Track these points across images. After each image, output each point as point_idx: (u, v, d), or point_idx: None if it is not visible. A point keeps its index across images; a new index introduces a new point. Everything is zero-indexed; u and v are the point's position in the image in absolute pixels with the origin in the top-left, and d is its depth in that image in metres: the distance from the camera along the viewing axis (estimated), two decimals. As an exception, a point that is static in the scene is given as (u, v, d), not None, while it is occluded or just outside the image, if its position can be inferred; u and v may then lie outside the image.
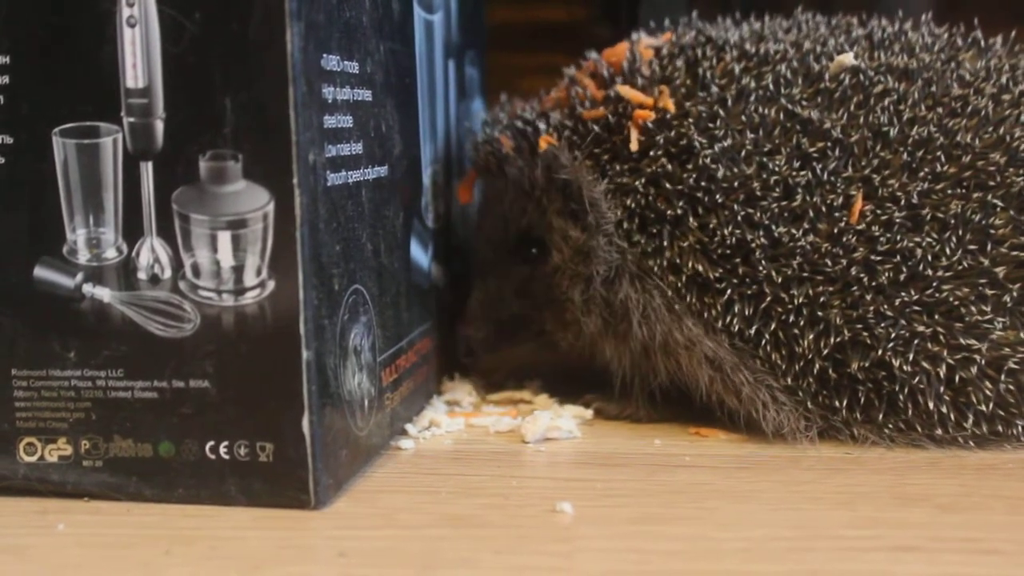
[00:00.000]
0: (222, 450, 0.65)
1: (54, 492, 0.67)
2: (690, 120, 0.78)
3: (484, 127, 0.92)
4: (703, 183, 0.76)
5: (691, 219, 0.77)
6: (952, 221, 0.75)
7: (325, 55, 0.66)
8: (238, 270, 0.64)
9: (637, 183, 0.78)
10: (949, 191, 0.75)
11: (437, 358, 0.89)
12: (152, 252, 0.65)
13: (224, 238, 0.64)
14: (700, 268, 0.76)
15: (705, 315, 0.77)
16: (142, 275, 0.65)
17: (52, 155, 0.65)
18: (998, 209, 0.75)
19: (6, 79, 0.65)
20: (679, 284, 0.77)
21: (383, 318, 0.75)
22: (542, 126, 0.83)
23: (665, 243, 0.77)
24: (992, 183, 0.75)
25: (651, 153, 0.78)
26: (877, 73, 0.79)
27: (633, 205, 0.78)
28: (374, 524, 0.64)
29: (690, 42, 0.84)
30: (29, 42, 0.64)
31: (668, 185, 0.77)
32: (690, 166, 0.77)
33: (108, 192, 0.65)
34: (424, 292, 0.85)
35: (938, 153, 0.76)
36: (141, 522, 0.64)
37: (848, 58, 0.79)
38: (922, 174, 0.75)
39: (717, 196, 0.76)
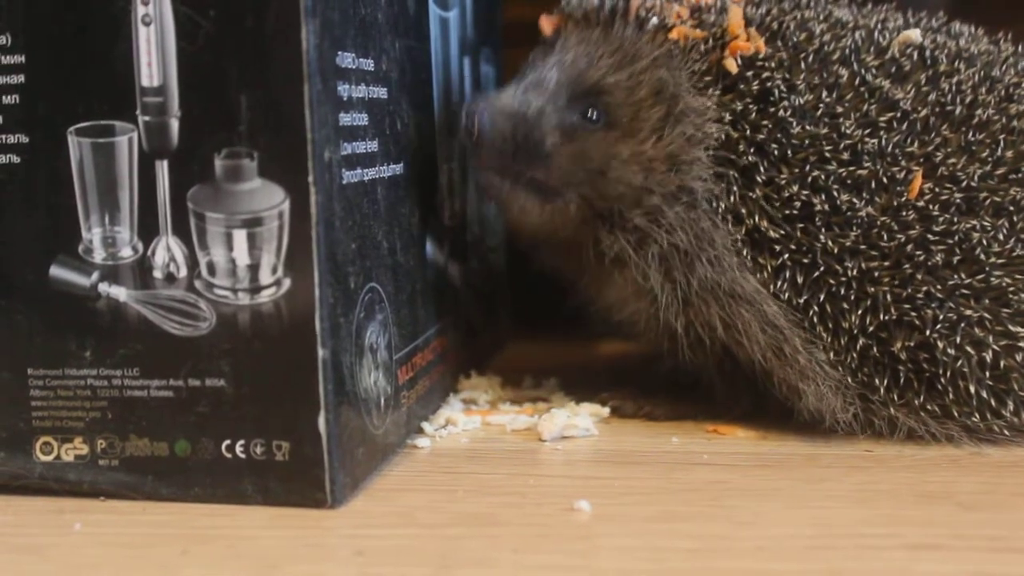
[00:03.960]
0: (238, 449, 0.65)
1: (70, 491, 0.67)
2: (774, 64, 0.76)
3: None
4: (778, 135, 0.75)
5: (761, 170, 0.75)
6: (1010, 207, 0.75)
7: (340, 52, 0.66)
8: (254, 268, 0.64)
9: (724, 115, 0.76)
10: (1007, 176, 0.75)
11: (454, 356, 0.88)
12: (168, 251, 0.65)
13: (240, 236, 0.64)
14: (763, 224, 0.75)
15: (757, 275, 0.76)
16: (158, 274, 0.65)
17: (68, 154, 0.65)
18: None
19: (21, 78, 0.65)
20: (737, 237, 0.76)
21: (399, 316, 0.75)
22: (675, 19, 0.79)
23: (734, 189, 0.76)
24: None
25: (740, 87, 0.76)
26: (940, 52, 0.79)
27: (716, 138, 0.76)
28: (391, 523, 0.63)
29: None
30: (44, 41, 0.64)
31: (746, 129, 0.76)
32: (770, 111, 0.75)
33: (124, 191, 0.65)
34: (440, 290, 0.84)
35: (998, 137, 0.76)
36: (158, 521, 0.64)
37: (915, 34, 0.79)
38: (982, 157, 0.75)
39: (788, 151, 0.75)
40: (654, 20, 0.79)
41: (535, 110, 0.78)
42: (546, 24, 0.84)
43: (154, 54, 0.63)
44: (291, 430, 0.64)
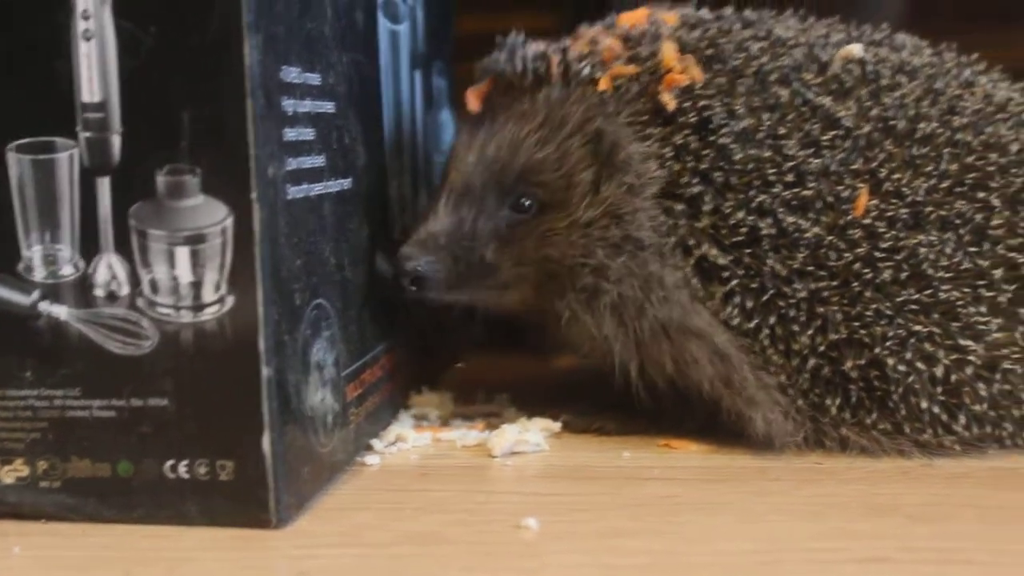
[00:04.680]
0: (181, 469, 0.64)
1: (10, 514, 0.66)
2: (712, 91, 0.76)
3: (512, 43, 0.83)
4: (720, 163, 0.75)
5: (706, 199, 0.75)
6: (956, 221, 0.75)
7: (285, 67, 0.65)
8: (196, 286, 0.63)
9: (665, 151, 0.76)
10: (952, 190, 0.75)
11: (405, 372, 0.88)
12: (109, 268, 0.64)
13: (182, 253, 0.63)
14: (712, 253, 0.75)
15: (707, 304, 0.76)
16: (99, 292, 0.64)
17: (7, 171, 0.64)
18: (996, 210, 0.75)
19: (-41, 94, 0.64)
20: (687, 268, 0.76)
21: (347, 332, 0.74)
22: (599, 69, 0.78)
23: (681, 222, 0.76)
24: (992, 183, 0.76)
25: (679, 119, 0.76)
26: (883, 66, 0.79)
27: (659, 175, 0.76)
28: (336, 542, 0.63)
29: (704, 17, 0.83)
30: (-18, 56, 0.64)
31: (689, 160, 0.75)
32: (710, 140, 0.75)
33: (64, 208, 0.64)
34: (391, 305, 0.84)
35: (942, 150, 0.76)
36: (99, 544, 0.63)
37: (856, 49, 0.79)
38: (926, 171, 0.75)
39: (732, 178, 0.75)
40: (584, 71, 0.79)
41: (468, 229, 0.79)
42: (473, 98, 0.83)
43: (95, 69, 0.62)
44: (235, 450, 0.63)
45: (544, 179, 0.78)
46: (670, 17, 0.82)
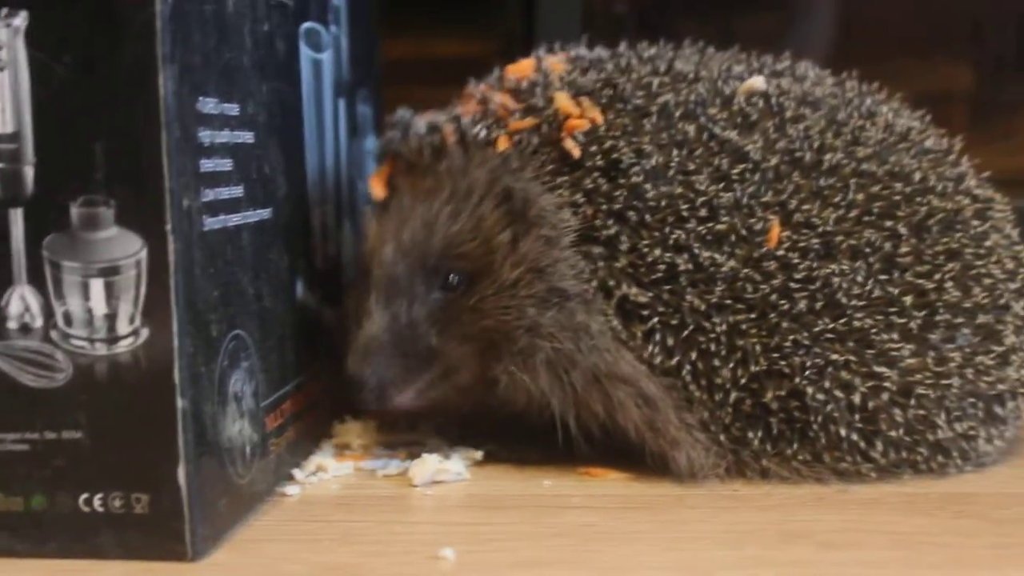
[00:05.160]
0: (96, 502, 0.64)
1: (-79, 549, 0.65)
2: (617, 132, 0.77)
3: (403, 120, 0.83)
4: (633, 202, 0.75)
5: (623, 239, 0.75)
6: (866, 249, 0.76)
7: (202, 98, 0.65)
8: (111, 318, 0.63)
9: (576, 197, 0.76)
10: (860, 219, 0.77)
11: (328, 401, 0.88)
12: (23, 300, 0.63)
13: (96, 286, 0.63)
14: (632, 292, 0.75)
15: (630, 344, 0.76)
16: (12, 324, 0.63)
17: (-82, 203, 0.63)
18: (903, 237, 0.77)
19: None
20: (608, 310, 0.76)
21: (267, 363, 0.74)
22: (490, 131, 0.79)
23: (600, 264, 0.76)
24: (899, 212, 0.77)
25: (586, 164, 0.77)
26: (786, 98, 0.80)
27: (573, 222, 0.76)
28: (252, 575, 0.63)
29: (599, 57, 0.84)
30: None
31: (602, 203, 0.76)
32: (621, 181, 0.76)
33: (-23, 240, 0.63)
34: (313, 335, 0.84)
35: (848, 180, 0.77)
36: (11, 579, 0.62)
37: (758, 82, 0.80)
38: (834, 201, 0.77)
39: (646, 215, 0.75)
40: (479, 134, 0.79)
41: (405, 322, 0.79)
42: (376, 185, 0.84)
43: (7, 100, 0.62)
44: (150, 482, 0.63)
45: (464, 251, 0.78)
46: (557, 64, 0.83)
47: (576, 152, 0.77)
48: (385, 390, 0.78)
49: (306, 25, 0.84)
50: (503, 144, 0.78)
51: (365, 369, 0.78)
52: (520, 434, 0.84)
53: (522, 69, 0.84)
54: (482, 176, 0.78)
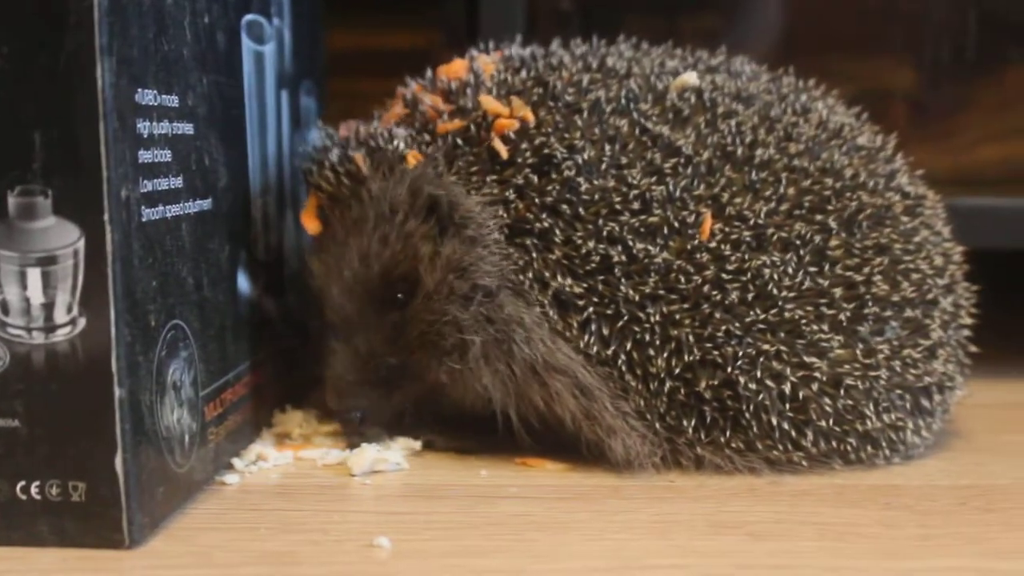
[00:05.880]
0: (33, 490, 0.64)
1: None
2: (548, 129, 0.78)
3: (319, 152, 0.85)
4: (567, 195, 0.77)
5: (557, 232, 0.77)
6: (796, 242, 0.77)
7: (141, 90, 0.65)
8: (48, 307, 0.63)
9: (507, 194, 0.78)
10: (791, 213, 0.78)
11: (270, 390, 0.88)
12: (-41, 290, 0.63)
13: (34, 275, 0.63)
14: (567, 283, 0.76)
15: (566, 335, 0.77)
16: (-51, 313, 0.64)
17: None
18: (833, 231, 0.78)
19: None
20: (545, 301, 0.77)
21: (206, 352, 0.74)
22: (402, 144, 0.80)
23: (534, 255, 0.77)
24: (829, 207, 0.79)
25: (517, 161, 0.78)
26: (719, 94, 0.82)
27: (505, 217, 0.78)
28: (188, 563, 0.63)
29: (529, 56, 0.85)
30: None
31: (535, 197, 0.77)
32: (554, 176, 0.77)
33: (-86, 229, 0.63)
34: (254, 325, 0.84)
35: (780, 175, 0.79)
36: (-53, 566, 0.63)
37: (691, 77, 0.81)
38: (766, 195, 0.78)
39: (580, 209, 0.76)
40: (389, 153, 0.80)
41: (365, 352, 0.82)
42: (308, 222, 0.85)
43: (-55, 90, 0.62)
44: (87, 470, 0.63)
45: (401, 271, 0.80)
46: (489, 64, 0.84)
47: (504, 152, 0.78)
48: (366, 420, 0.84)
49: (248, 17, 0.85)
50: (412, 160, 0.79)
51: (342, 406, 0.84)
52: (459, 425, 0.85)
53: (454, 70, 0.85)
54: (402, 193, 0.79)
